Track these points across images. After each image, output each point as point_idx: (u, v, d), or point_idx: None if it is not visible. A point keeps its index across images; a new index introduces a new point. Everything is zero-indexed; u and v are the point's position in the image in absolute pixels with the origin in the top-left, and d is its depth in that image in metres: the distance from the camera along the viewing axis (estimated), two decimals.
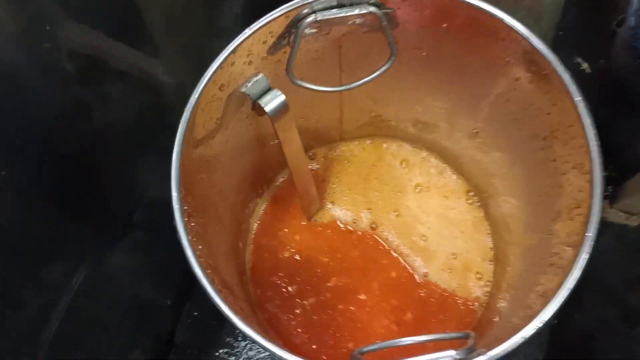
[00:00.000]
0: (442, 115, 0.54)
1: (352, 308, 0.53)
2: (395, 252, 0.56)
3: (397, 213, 0.57)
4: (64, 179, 0.40)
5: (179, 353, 0.58)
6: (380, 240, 0.56)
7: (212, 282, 0.34)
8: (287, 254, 0.55)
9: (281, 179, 0.59)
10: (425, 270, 0.55)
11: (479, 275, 0.55)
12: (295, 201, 0.57)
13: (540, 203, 0.46)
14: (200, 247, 0.38)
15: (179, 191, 0.36)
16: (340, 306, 0.53)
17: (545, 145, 0.43)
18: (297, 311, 0.53)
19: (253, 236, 0.56)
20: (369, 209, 0.58)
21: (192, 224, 0.38)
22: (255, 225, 0.57)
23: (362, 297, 0.53)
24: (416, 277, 0.54)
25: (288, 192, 0.58)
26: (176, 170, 0.36)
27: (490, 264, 0.55)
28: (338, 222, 0.57)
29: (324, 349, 0.51)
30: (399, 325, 0.52)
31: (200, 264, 0.35)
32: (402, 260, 0.55)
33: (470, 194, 0.58)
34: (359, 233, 0.57)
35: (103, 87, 0.43)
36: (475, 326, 0.52)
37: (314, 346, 0.51)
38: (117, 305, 0.50)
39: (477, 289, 0.54)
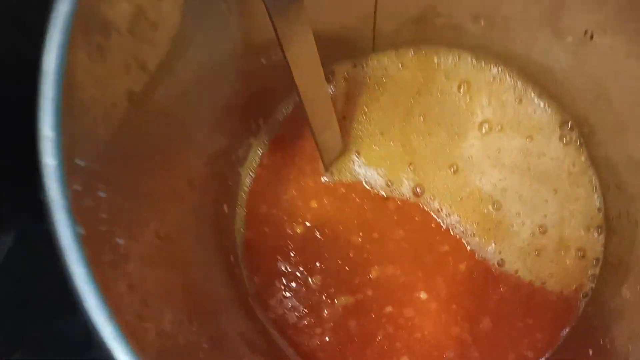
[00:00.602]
0: (538, 7, 0.33)
1: (408, 312, 0.39)
2: (453, 231, 0.39)
3: (454, 168, 0.40)
4: None
5: None
6: (430, 213, 0.39)
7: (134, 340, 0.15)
8: (299, 229, 0.40)
9: (285, 110, 0.42)
10: (499, 257, 0.38)
11: (580, 253, 0.39)
12: (305, 145, 0.41)
13: None
14: (122, 240, 0.18)
15: (59, 128, 0.16)
16: (390, 308, 0.39)
17: None
18: (324, 313, 0.39)
19: (246, 197, 0.41)
20: (410, 163, 0.40)
21: (101, 193, 0.18)
22: (248, 179, 0.41)
23: (423, 296, 0.38)
24: (491, 266, 0.38)
25: (295, 129, 0.42)
26: (55, 74, 0.16)
27: (599, 234, 0.39)
28: (364, 184, 0.40)
29: None
30: (473, 335, 0.38)
31: (108, 299, 0.15)
32: (465, 243, 0.38)
33: (566, 128, 0.39)
34: (398, 202, 0.39)
35: None
36: (574, 327, 0.38)
37: None
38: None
39: (578, 273, 0.38)
